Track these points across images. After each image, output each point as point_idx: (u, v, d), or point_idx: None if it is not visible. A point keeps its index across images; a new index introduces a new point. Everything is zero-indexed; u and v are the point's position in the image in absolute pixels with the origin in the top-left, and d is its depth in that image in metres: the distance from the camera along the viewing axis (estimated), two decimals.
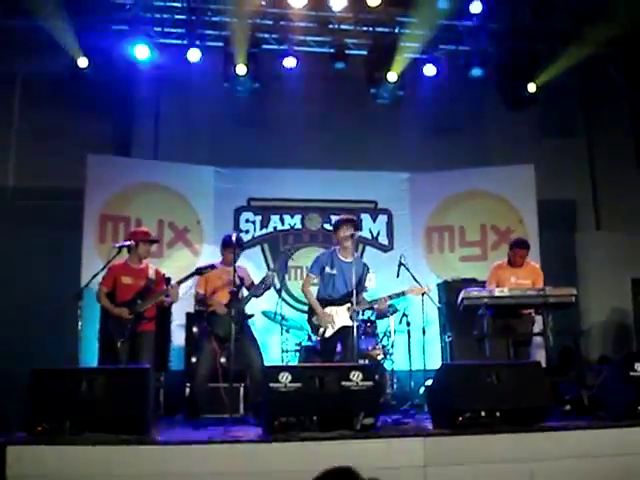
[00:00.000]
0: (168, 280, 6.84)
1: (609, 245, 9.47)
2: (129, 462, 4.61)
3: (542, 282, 7.02)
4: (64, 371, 5.16)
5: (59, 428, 4.78)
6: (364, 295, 6.79)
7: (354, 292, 6.39)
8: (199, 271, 6.45)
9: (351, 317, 6.46)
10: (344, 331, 6.48)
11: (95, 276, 6.27)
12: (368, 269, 6.85)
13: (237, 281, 6.41)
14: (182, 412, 6.91)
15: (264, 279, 6.69)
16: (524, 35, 8.95)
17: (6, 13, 7.84)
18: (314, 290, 6.86)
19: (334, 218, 7.41)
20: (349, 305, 6.50)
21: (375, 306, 6.79)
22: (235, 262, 6.35)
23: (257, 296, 6.78)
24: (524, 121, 9.28)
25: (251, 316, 6.80)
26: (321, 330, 6.56)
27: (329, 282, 6.72)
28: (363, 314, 7.53)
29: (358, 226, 6.99)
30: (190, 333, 7.87)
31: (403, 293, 6.73)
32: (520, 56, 9.09)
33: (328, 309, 6.62)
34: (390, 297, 6.70)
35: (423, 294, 6.94)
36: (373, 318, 7.89)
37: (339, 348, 6.64)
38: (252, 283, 6.82)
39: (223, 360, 6.43)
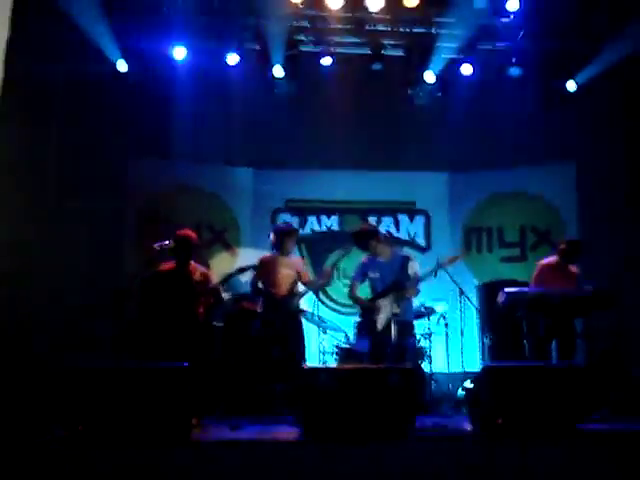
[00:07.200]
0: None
1: None
2: (168, 463, 4.65)
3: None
4: (100, 370, 5.17)
5: (97, 429, 4.84)
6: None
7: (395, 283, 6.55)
8: (241, 270, 6.52)
9: (397, 306, 6.46)
10: (390, 325, 6.47)
11: (136, 277, 6.36)
12: (409, 258, 6.87)
13: (294, 274, 6.51)
14: (220, 411, 6.94)
15: (322, 275, 6.82)
16: (562, 33, 8.82)
17: (44, 19, 7.97)
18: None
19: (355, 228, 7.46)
20: (392, 296, 6.54)
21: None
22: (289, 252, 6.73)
23: (314, 290, 6.90)
24: (564, 120, 9.13)
25: (304, 311, 6.87)
26: (371, 327, 6.61)
27: (374, 285, 6.83)
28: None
29: (377, 231, 7.08)
30: (229, 332, 7.90)
31: (439, 266, 6.70)
32: (559, 54, 8.97)
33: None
34: (430, 273, 6.71)
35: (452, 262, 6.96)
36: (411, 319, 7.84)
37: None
38: (308, 279, 6.88)
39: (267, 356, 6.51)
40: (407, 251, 9.00)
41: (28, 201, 7.87)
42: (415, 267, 6.77)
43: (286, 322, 6.45)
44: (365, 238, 6.85)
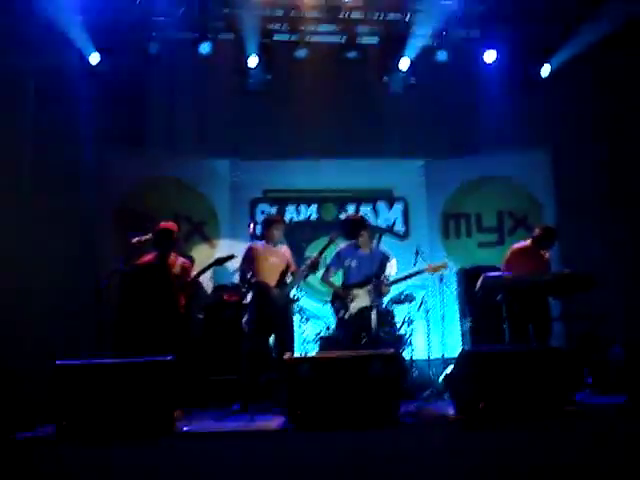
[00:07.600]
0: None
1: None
2: (152, 455, 4.65)
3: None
4: (87, 366, 5.18)
5: (82, 423, 4.83)
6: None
7: (374, 277, 6.62)
8: (219, 261, 6.47)
9: (371, 299, 6.53)
10: (365, 314, 6.53)
11: (116, 271, 6.32)
12: (388, 257, 6.93)
13: (284, 264, 6.51)
14: (204, 402, 6.91)
15: (309, 263, 6.75)
16: (536, 17, 8.84)
17: (14, 10, 7.86)
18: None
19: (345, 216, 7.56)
20: (369, 288, 6.55)
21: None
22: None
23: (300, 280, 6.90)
24: (539, 105, 9.17)
25: (297, 300, 6.88)
26: (341, 312, 6.64)
27: (350, 273, 6.92)
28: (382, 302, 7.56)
29: (367, 222, 7.12)
30: (208, 324, 7.86)
31: (421, 271, 6.79)
32: (533, 39, 9.00)
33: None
34: (409, 275, 6.88)
35: (435, 271, 7.03)
36: (391, 306, 7.88)
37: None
38: (296, 269, 6.87)
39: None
40: (386, 240, 9.07)
41: None
42: (393, 267, 6.86)
43: (277, 313, 6.42)
44: (356, 227, 6.88)
